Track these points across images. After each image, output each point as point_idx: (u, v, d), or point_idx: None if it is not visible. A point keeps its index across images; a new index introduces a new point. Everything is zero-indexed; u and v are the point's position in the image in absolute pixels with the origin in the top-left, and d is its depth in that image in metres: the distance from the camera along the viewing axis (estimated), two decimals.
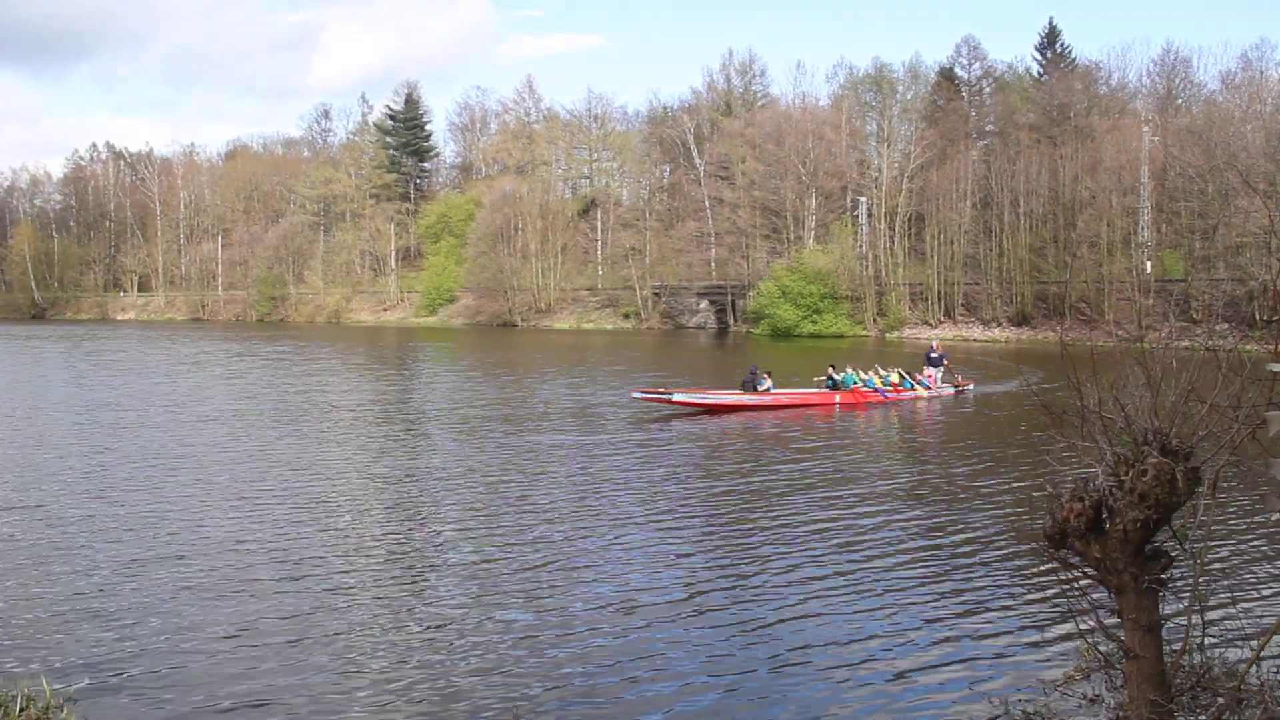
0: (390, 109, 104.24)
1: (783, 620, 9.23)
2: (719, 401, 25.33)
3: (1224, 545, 11.17)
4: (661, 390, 25.55)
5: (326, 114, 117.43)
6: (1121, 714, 5.39)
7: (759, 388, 26.01)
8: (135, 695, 7.57)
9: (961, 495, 14.84)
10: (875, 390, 27.50)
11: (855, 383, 27.20)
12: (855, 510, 13.81)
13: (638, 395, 24.91)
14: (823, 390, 27.00)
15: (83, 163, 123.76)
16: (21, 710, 6.74)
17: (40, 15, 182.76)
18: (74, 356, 46.52)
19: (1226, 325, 45.00)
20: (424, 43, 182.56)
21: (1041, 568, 9.98)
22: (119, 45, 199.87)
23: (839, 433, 22.56)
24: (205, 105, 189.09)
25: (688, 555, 11.50)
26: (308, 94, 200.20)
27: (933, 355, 30.67)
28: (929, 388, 28.97)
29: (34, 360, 45.57)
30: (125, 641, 8.63)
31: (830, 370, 27.48)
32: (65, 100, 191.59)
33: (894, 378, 28.36)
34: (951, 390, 29.59)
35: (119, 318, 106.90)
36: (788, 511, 13.69)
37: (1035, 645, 8.57)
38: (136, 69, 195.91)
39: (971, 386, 30.57)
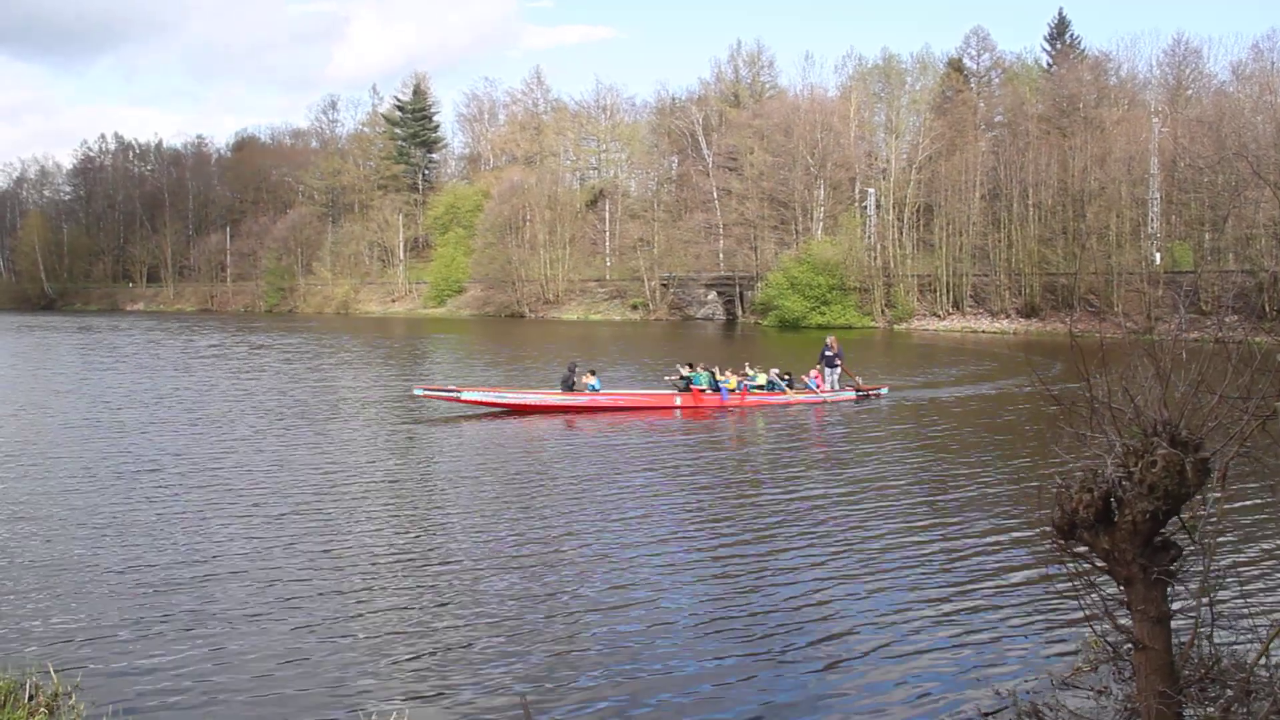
0: (398, 100, 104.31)
1: (785, 614, 9.22)
2: (521, 402, 23.00)
3: (1233, 537, 11.11)
4: (450, 388, 23.37)
5: (334, 105, 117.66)
6: (1130, 705, 5.39)
7: (577, 386, 23.47)
8: (141, 683, 7.60)
9: (964, 489, 14.82)
10: (731, 393, 23.92)
11: (702, 383, 23.83)
12: (855, 504, 13.81)
13: (420, 393, 22.63)
14: (663, 392, 24.13)
15: (91, 154, 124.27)
16: (30, 698, 6.79)
17: (63, 6, 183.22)
18: (94, 349, 46.68)
19: (1236, 317, 44.80)
20: (446, 35, 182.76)
21: (1049, 560, 9.94)
22: (142, 37, 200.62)
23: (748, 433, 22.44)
24: (225, 97, 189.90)
25: (690, 549, 11.51)
26: (328, 86, 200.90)
27: (827, 353, 26.06)
28: (814, 390, 25.23)
29: (54, 353, 45.73)
30: (130, 633, 8.67)
31: (682, 368, 24.38)
32: (86, 92, 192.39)
33: (761, 379, 24.78)
34: (852, 395, 25.25)
35: (128, 308, 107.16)
36: (785, 505, 13.69)
37: (1043, 637, 8.55)
38: (159, 61, 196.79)
39: (885, 391, 26.05)
